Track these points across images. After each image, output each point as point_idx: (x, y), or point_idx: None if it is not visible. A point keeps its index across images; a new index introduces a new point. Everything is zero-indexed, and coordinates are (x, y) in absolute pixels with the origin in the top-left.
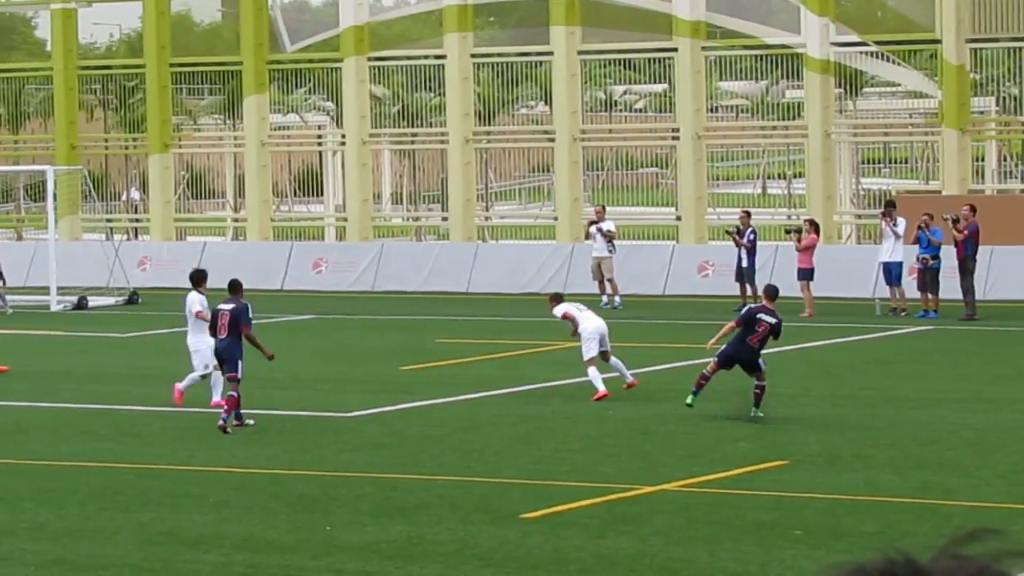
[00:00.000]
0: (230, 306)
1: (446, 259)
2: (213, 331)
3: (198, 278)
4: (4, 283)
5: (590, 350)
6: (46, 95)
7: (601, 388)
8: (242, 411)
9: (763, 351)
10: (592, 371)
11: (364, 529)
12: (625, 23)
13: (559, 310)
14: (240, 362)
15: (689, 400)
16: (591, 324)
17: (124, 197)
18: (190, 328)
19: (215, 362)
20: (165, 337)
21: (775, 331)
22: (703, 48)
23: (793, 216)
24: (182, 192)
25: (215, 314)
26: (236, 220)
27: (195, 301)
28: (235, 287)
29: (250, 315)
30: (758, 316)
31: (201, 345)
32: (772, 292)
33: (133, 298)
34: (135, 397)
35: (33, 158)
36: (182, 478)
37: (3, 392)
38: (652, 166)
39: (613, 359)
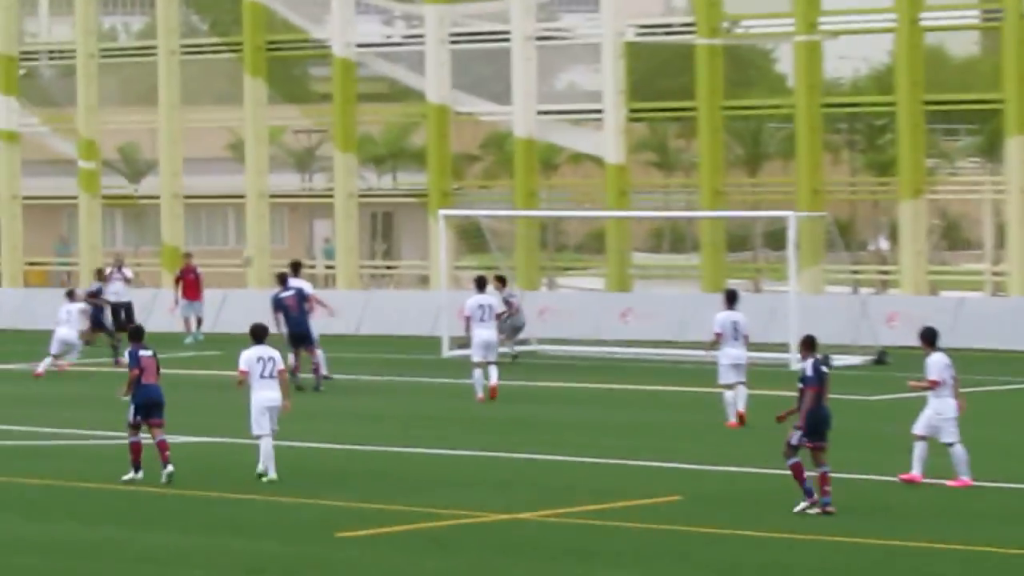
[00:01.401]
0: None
1: None
2: None
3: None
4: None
5: None
6: (786, 135)
7: None
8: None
9: None
10: None
11: None
12: None
13: None
14: None
15: None
16: None
17: (872, 247)
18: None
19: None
20: (909, 402)
21: None
22: None
23: None
24: (936, 242)
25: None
26: (995, 274)
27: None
28: (809, 342)
29: None
30: None
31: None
32: None
33: (882, 357)
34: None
35: (772, 203)
36: None
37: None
38: None
39: None
